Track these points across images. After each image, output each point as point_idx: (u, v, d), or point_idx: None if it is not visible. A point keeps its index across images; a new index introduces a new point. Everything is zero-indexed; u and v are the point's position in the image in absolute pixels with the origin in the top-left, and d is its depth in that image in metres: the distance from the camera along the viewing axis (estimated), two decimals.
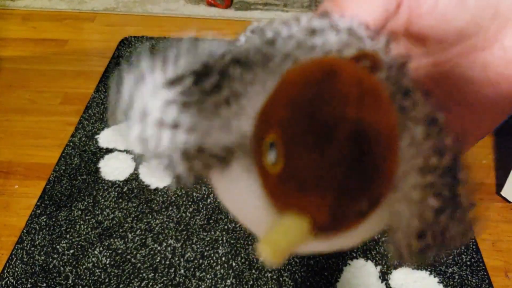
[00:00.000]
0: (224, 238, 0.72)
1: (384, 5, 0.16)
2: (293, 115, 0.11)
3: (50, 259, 0.68)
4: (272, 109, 0.12)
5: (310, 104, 0.11)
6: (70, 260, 0.68)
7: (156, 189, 0.79)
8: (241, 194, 0.14)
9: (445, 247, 0.15)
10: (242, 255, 0.70)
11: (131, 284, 0.66)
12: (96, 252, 0.69)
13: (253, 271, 0.68)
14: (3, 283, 0.65)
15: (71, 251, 0.70)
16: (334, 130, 0.11)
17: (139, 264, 0.68)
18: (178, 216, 0.75)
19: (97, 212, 0.75)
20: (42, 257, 0.69)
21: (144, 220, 0.74)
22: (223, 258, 0.69)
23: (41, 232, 0.72)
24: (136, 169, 0.82)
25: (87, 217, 0.74)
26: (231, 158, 0.14)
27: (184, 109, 0.13)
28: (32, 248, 0.70)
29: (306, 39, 0.14)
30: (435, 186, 0.14)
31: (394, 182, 0.13)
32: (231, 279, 0.67)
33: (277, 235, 0.11)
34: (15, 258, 0.68)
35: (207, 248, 0.70)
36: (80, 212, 0.75)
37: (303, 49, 0.14)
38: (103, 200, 0.77)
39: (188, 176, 0.15)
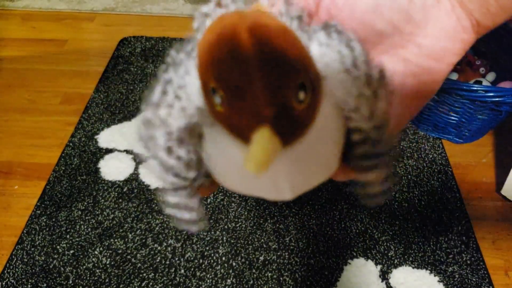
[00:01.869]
0: (224, 238, 0.72)
1: None
2: (211, 60, 0.14)
3: (50, 260, 0.68)
4: (200, 67, 0.15)
5: (216, 48, 0.14)
6: (71, 261, 0.68)
7: (156, 189, 0.79)
8: (220, 153, 0.18)
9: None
10: (242, 254, 0.70)
11: (131, 284, 0.66)
12: (96, 252, 0.69)
13: (253, 270, 0.68)
14: (4, 283, 0.65)
15: (71, 252, 0.70)
16: (238, 44, 0.14)
17: (139, 264, 0.68)
18: None
19: (97, 212, 0.75)
20: (42, 258, 0.69)
21: (144, 220, 0.74)
22: (223, 258, 0.69)
23: (41, 233, 0.72)
24: (136, 169, 0.82)
25: (87, 217, 0.74)
26: (200, 131, 0.18)
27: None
28: (32, 249, 0.70)
29: (205, 24, 0.18)
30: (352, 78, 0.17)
31: (314, 69, 0.16)
32: (231, 278, 0.67)
33: (251, 151, 0.14)
34: (15, 259, 0.68)
35: (207, 248, 0.70)
36: (80, 212, 0.75)
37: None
38: (103, 200, 0.77)
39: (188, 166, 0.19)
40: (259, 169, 0.14)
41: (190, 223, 0.21)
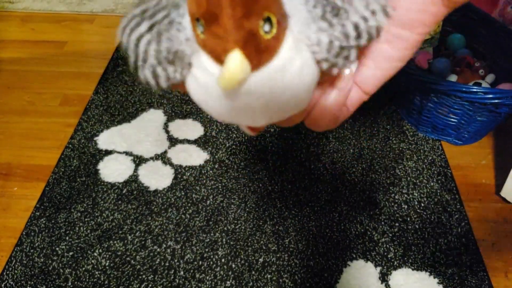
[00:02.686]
0: (224, 240, 0.72)
1: None
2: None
3: (50, 261, 0.68)
4: (189, 2, 0.19)
5: None
6: (70, 262, 0.68)
7: (155, 191, 0.79)
8: (202, 76, 0.21)
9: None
10: (242, 256, 0.70)
11: (130, 286, 0.66)
12: (95, 254, 0.69)
13: (253, 272, 0.68)
14: (3, 285, 0.65)
15: (71, 253, 0.69)
16: None
17: (138, 266, 0.68)
18: (177, 217, 0.75)
19: (96, 214, 0.75)
20: (42, 259, 0.69)
21: (144, 222, 0.74)
22: (223, 260, 0.69)
23: (40, 234, 0.72)
24: (135, 170, 0.82)
25: (86, 219, 0.74)
26: (188, 60, 0.21)
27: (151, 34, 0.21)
28: (32, 250, 0.70)
29: None
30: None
31: (280, 7, 0.19)
32: (230, 280, 0.67)
33: (224, 69, 0.17)
34: (14, 260, 0.68)
35: (207, 250, 0.70)
36: (79, 214, 0.75)
37: None
38: (102, 202, 0.77)
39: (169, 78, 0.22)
40: (229, 84, 0.17)
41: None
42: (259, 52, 0.18)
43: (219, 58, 0.18)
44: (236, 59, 0.17)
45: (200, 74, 0.21)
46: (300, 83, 0.21)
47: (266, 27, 0.18)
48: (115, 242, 0.71)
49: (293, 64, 0.20)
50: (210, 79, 0.20)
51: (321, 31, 0.20)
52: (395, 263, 0.70)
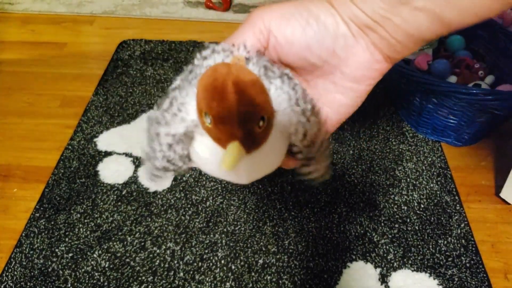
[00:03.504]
0: (224, 241, 0.72)
1: (255, 39, 0.27)
2: (207, 97, 0.22)
3: (49, 263, 0.68)
4: (198, 97, 0.23)
5: (210, 90, 0.22)
6: (69, 264, 0.68)
7: (155, 192, 0.79)
8: (205, 152, 0.26)
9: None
10: (242, 258, 0.70)
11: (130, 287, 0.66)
12: (95, 255, 0.69)
13: (253, 274, 0.68)
14: (2, 286, 0.65)
15: (70, 255, 0.69)
16: (224, 92, 0.21)
17: (138, 267, 0.68)
18: (177, 219, 0.75)
19: (96, 215, 0.75)
20: (41, 261, 0.68)
21: (143, 223, 0.74)
22: (223, 261, 0.69)
23: (40, 236, 0.72)
24: (135, 172, 0.82)
25: (86, 220, 0.74)
26: (192, 136, 0.26)
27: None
28: (31, 252, 0.70)
29: (202, 63, 0.27)
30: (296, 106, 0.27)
31: (271, 107, 0.24)
32: (230, 282, 0.67)
33: (226, 156, 0.22)
34: (14, 262, 0.68)
35: (206, 251, 0.70)
36: (79, 215, 0.75)
37: (203, 67, 0.27)
38: (102, 203, 0.77)
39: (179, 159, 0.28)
40: (229, 168, 0.22)
41: (160, 185, 0.34)
42: (253, 142, 0.23)
43: (222, 144, 0.23)
44: (236, 149, 0.22)
45: (202, 150, 0.26)
46: (278, 158, 0.27)
47: (261, 124, 0.23)
48: (114, 243, 0.71)
49: (275, 147, 0.26)
50: (210, 155, 0.26)
51: (299, 124, 0.26)
52: (395, 264, 0.70)
